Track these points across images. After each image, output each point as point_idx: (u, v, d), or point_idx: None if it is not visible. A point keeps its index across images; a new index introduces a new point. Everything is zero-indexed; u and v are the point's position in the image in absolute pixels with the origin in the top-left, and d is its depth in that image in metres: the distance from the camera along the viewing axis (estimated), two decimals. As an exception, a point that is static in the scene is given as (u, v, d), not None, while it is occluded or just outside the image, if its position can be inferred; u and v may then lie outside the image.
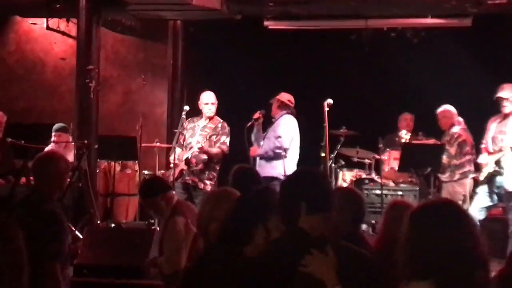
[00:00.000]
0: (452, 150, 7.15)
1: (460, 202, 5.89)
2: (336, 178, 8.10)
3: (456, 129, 7.27)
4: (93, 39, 8.03)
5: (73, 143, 7.65)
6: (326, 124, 7.08)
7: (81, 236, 5.95)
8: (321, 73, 9.22)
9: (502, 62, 8.41)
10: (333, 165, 7.83)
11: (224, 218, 2.91)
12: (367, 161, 8.16)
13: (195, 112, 7.29)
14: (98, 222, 7.47)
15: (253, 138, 7.21)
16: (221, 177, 6.89)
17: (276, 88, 7.45)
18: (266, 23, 9.16)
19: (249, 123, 7.17)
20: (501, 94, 6.58)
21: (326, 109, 7.11)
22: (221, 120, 7.14)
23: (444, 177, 7.25)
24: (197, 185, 6.94)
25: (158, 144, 8.43)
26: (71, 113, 8.33)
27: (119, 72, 10.13)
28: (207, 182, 6.95)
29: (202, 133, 7.06)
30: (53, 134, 7.70)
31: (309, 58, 9.36)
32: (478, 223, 5.79)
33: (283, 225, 2.57)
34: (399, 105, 8.63)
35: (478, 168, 6.93)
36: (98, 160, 8.18)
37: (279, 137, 6.92)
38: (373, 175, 8.03)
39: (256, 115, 7.11)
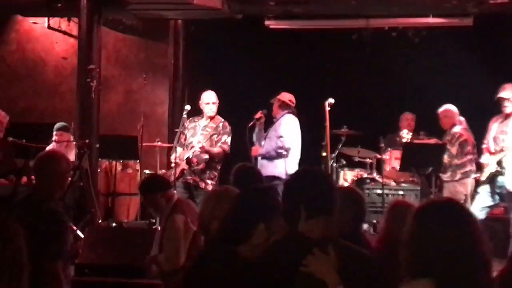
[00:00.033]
0: (454, 149, 7.15)
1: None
2: (337, 178, 8.08)
3: (457, 129, 7.26)
4: (94, 38, 8.03)
5: (74, 143, 7.66)
6: (328, 123, 7.08)
7: (82, 236, 5.96)
8: (322, 73, 9.22)
9: (504, 61, 8.40)
10: (334, 164, 7.82)
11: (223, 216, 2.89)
12: (368, 160, 8.15)
13: (196, 112, 7.29)
14: (99, 221, 7.48)
15: (254, 137, 7.21)
16: (222, 177, 6.89)
17: (277, 87, 7.45)
18: (267, 22, 9.17)
19: (251, 123, 7.17)
20: (502, 94, 6.58)
21: (328, 108, 7.11)
22: (222, 120, 7.13)
23: (445, 176, 7.25)
24: (198, 184, 6.94)
25: (159, 143, 8.43)
26: (72, 113, 8.34)
27: (120, 72, 10.13)
28: (208, 181, 6.95)
29: (203, 132, 7.06)
30: (54, 133, 7.70)
31: (310, 57, 9.36)
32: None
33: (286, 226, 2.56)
34: (400, 104, 8.62)
35: (479, 168, 6.93)
36: (99, 159, 8.18)
37: (281, 137, 6.92)
38: (375, 175, 8.03)
39: (258, 114, 7.12)
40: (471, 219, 2.12)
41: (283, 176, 6.72)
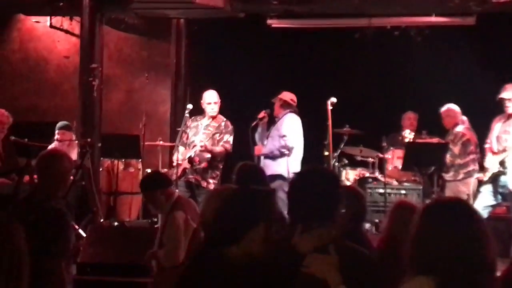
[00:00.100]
0: (456, 149, 7.13)
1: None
2: (340, 177, 8.08)
3: (460, 128, 7.25)
4: (96, 37, 8.05)
5: (76, 142, 7.66)
6: (330, 122, 7.08)
7: (84, 235, 5.96)
8: (324, 72, 9.20)
9: (506, 60, 8.38)
10: (337, 164, 7.82)
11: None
12: (370, 160, 8.14)
13: (198, 111, 7.29)
14: (101, 220, 7.48)
15: (257, 137, 7.20)
16: (224, 176, 6.88)
17: (279, 86, 7.45)
18: (269, 21, 9.16)
19: (254, 123, 7.17)
20: (503, 95, 6.57)
21: (330, 107, 7.11)
22: (225, 119, 7.13)
23: (448, 176, 7.24)
24: (200, 183, 6.94)
25: (161, 142, 8.43)
26: (74, 111, 8.35)
27: (122, 71, 10.13)
28: (210, 180, 6.95)
29: (206, 131, 7.05)
30: (56, 132, 7.70)
31: (312, 56, 9.35)
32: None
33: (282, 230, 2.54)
34: (403, 103, 8.60)
35: (482, 167, 6.92)
36: (101, 158, 8.19)
37: (284, 136, 6.92)
38: (377, 174, 8.02)
39: (261, 114, 7.12)
40: (478, 220, 2.12)
41: (286, 175, 6.73)
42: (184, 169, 6.96)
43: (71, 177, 5.04)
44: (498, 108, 6.74)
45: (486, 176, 6.73)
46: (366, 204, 3.91)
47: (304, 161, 7.01)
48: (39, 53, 10.20)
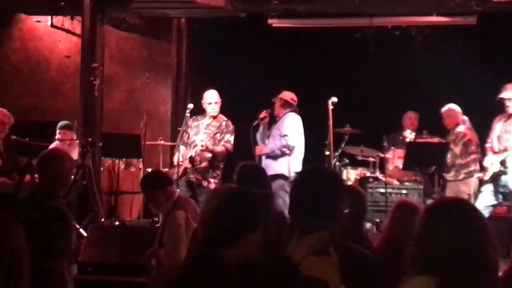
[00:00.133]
0: (457, 149, 7.13)
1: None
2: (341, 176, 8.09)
3: (461, 128, 7.24)
4: (97, 37, 8.03)
5: (77, 141, 7.66)
6: (331, 122, 7.07)
7: (85, 234, 5.96)
8: (325, 71, 9.20)
9: (507, 60, 8.37)
10: (337, 163, 7.82)
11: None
12: (371, 159, 8.14)
13: (199, 110, 7.29)
14: (102, 220, 7.48)
15: (258, 137, 7.20)
16: (225, 176, 6.88)
17: (280, 86, 7.44)
18: (270, 21, 9.16)
19: (255, 122, 7.17)
20: (503, 94, 6.57)
21: (331, 107, 7.11)
22: (226, 118, 7.13)
23: (449, 176, 7.23)
24: (201, 183, 6.94)
25: (162, 142, 8.43)
26: (75, 111, 8.34)
27: (123, 70, 10.14)
28: (211, 180, 6.95)
29: (206, 131, 7.06)
30: (57, 131, 7.71)
31: (313, 56, 9.35)
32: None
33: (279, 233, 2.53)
34: (404, 103, 8.60)
35: (483, 167, 6.91)
36: (102, 158, 8.18)
37: (286, 135, 6.92)
38: (378, 174, 8.02)
39: (263, 114, 7.12)
40: (481, 220, 2.13)
41: (287, 174, 6.74)
42: (185, 168, 6.97)
43: (72, 177, 5.05)
44: (498, 108, 6.74)
45: (486, 176, 6.74)
46: (366, 204, 3.91)
47: (305, 161, 7.02)
48: (40, 53, 10.20)
